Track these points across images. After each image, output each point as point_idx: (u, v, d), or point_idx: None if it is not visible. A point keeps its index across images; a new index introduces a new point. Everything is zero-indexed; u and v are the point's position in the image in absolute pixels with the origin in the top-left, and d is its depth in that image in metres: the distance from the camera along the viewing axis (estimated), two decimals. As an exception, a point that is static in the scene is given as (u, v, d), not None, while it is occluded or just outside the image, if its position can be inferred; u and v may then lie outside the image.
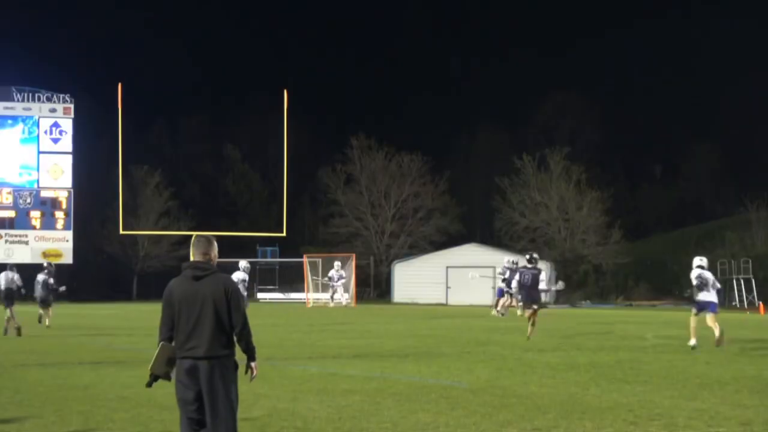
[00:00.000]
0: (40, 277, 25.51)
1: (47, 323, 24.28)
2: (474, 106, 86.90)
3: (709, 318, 17.41)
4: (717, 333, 17.07)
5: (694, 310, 17.56)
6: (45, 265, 26.92)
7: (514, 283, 22.78)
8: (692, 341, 16.81)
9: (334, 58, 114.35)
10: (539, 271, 20.39)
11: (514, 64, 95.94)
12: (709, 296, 17.76)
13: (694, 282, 17.88)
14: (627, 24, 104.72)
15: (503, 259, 42.47)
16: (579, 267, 53.19)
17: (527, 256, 21.69)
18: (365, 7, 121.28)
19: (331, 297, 41.74)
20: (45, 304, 24.88)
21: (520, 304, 23.64)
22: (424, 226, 58.97)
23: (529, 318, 19.36)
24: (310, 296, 45.10)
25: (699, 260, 18.38)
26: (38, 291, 25.28)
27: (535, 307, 19.39)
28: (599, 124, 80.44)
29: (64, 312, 34.35)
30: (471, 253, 48.97)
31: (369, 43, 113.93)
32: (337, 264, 42.02)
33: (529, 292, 20.10)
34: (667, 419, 8.54)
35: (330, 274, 41.85)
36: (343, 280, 41.97)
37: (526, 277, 20.32)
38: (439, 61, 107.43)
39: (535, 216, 55.94)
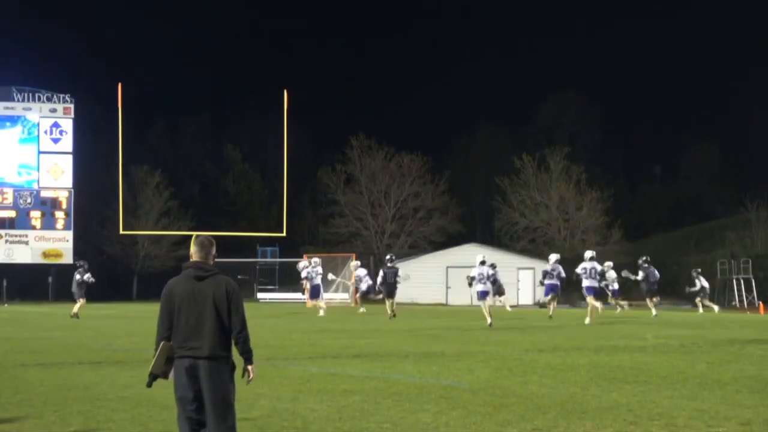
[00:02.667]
0: (81, 276, 29.76)
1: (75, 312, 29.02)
2: (474, 106, 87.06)
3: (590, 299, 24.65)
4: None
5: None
6: (80, 263, 30.98)
7: (380, 279, 28.30)
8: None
9: (334, 58, 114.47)
10: (397, 269, 27.85)
11: (515, 64, 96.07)
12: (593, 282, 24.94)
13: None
14: (627, 24, 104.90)
15: (503, 259, 42.49)
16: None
17: (387, 257, 28.80)
18: (365, 6, 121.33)
19: (358, 297, 38.17)
20: (80, 297, 29.65)
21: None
22: (424, 226, 58.97)
23: (391, 306, 26.93)
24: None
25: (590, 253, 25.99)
26: (78, 286, 29.70)
27: (394, 299, 27.46)
28: (599, 124, 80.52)
29: (64, 312, 34.33)
30: (471, 253, 48.92)
31: (369, 43, 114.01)
32: (315, 261, 38.43)
33: (390, 287, 27.30)
34: (667, 419, 8.53)
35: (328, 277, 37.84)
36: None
37: (390, 275, 27.32)
38: (439, 61, 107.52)
39: (535, 216, 55.93)
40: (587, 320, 24.17)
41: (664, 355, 14.85)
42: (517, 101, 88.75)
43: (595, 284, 25.23)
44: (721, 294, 45.81)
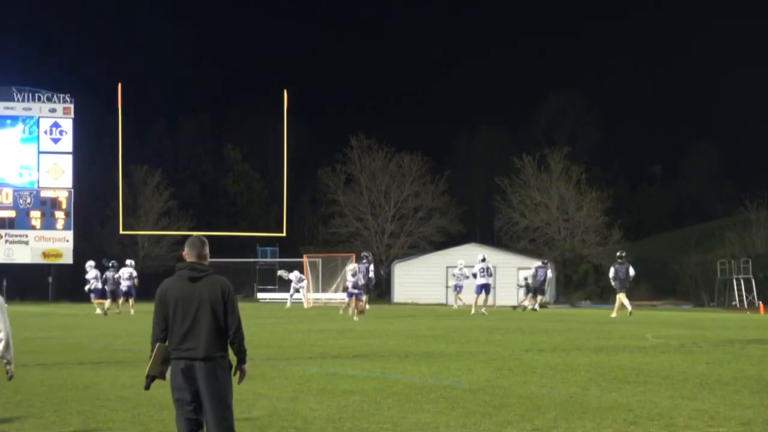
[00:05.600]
0: (126, 272, 32.33)
1: (122, 311, 31.59)
2: (474, 106, 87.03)
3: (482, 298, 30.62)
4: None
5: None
6: (131, 263, 33.41)
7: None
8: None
9: (334, 58, 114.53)
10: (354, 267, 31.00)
11: (515, 64, 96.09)
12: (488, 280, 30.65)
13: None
14: (627, 23, 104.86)
15: (503, 259, 42.59)
16: (579, 267, 53.15)
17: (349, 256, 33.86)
18: (365, 6, 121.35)
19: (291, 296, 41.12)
20: (128, 296, 32.32)
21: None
22: (424, 226, 58.93)
23: (352, 304, 28.88)
24: (309, 296, 45.03)
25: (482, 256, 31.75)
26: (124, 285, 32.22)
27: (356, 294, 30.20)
28: (599, 124, 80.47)
29: (64, 312, 34.38)
30: (471, 253, 48.90)
31: (369, 43, 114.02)
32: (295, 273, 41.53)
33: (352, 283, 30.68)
34: (667, 419, 8.54)
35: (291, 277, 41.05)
36: (303, 283, 41.43)
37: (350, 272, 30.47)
38: (439, 61, 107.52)
39: (535, 216, 55.90)
40: (473, 311, 30.39)
41: (664, 355, 14.85)
42: (517, 101, 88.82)
43: (490, 281, 31.27)
44: (721, 294, 45.81)
